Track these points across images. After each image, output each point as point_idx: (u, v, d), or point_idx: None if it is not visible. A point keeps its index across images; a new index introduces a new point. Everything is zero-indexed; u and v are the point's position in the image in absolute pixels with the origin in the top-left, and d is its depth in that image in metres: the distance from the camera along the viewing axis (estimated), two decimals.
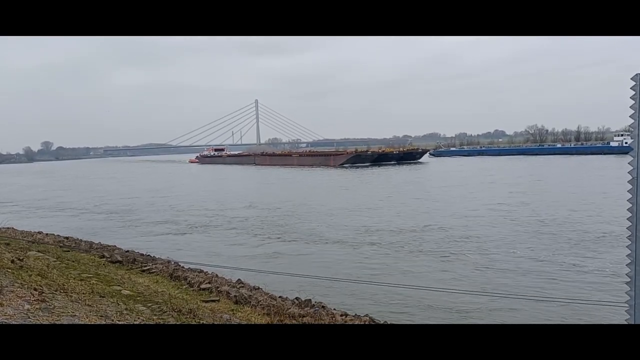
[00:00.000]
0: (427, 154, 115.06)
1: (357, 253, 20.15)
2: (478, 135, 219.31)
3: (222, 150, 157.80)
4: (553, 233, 22.50)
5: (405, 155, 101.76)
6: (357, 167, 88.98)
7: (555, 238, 21.42)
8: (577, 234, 21.96)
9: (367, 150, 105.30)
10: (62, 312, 6.10)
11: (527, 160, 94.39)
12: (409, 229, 24.60)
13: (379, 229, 24.94)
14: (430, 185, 49.80)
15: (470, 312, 12.68)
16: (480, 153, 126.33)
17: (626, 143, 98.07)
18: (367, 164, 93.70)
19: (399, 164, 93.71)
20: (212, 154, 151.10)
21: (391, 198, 38.92)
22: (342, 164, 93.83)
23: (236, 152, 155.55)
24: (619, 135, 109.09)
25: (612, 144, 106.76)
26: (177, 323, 7.38)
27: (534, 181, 49.06)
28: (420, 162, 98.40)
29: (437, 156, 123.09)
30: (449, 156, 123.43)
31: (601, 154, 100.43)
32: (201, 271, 14.93)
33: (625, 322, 3.17)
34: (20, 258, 10.94)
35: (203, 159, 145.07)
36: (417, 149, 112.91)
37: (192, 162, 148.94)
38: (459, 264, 17.79)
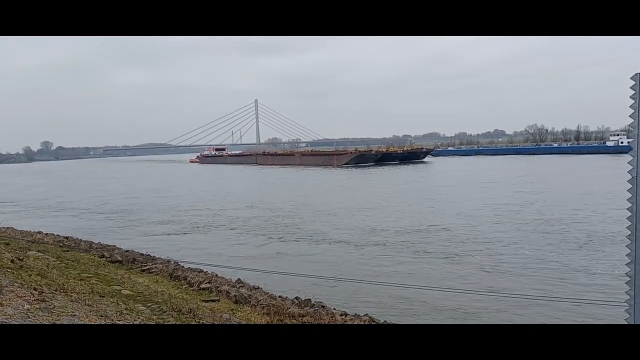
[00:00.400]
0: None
1: (361, 253, 20.01)
2: (478, 135, 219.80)
3: (223, 149, 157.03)
4: (560, 233, 22.35)
5: (409, 154, 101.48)
6: (361, 166, 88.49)
7: (563, 238, 21.24)
8: (585, 234, 21.81)
9: (371, 150, 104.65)
10: (62, 312, 6.11)
11: (525, 159, 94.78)
12: (414, 229, 24.49)
13: (384, 229, 24.83)
14: (435, 184, 49.82)
15: (477, 313, 12.51)
16: (478, 153, 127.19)
17: (622, 143, 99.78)
18: (371, 163, 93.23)
19: (403, 163, 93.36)
20: (213, 153, 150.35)
21: (396, 198, 38.89)
22: (346, 163, 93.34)
23: (237, 152, 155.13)
24: (614, 135, 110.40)
25: (608, 143, 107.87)
26: (177, 323, 7.38)
27: (537, 181, 49.00)
28: (424, 162, 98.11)
29: (435, 156, 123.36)
30: (446, 156, 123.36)
31: (597, 153, 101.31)
32: (201, 271, 14.93)
33: (625, 322, 3.16)
34: (20, 258, 10.94)
35: (204, 159, 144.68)
36: (422, 148, 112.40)
37: (192, 161, 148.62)
38: (465, 264, 17.62)
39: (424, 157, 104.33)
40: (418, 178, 59.69)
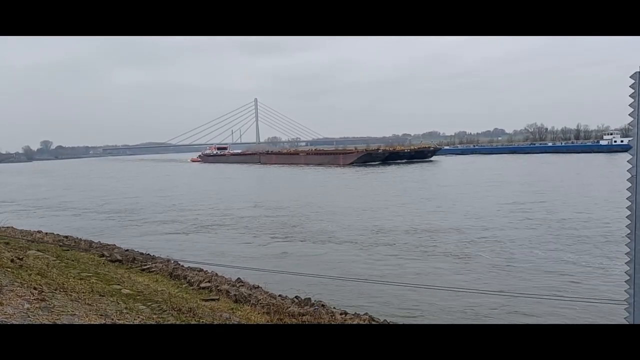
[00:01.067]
0: None
1: (369, 253, 19.85)
2: (478, 133, 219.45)
3: (225, 148, 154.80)
4: (573, 232, 22.18)
5: (416, 153, 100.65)
6: (368, 165, 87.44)
7: (577, 238, 21.03)
8: (597, 233, 21.64)
9: (378, 149, 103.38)
10: (62, 311, 6.10)
11: (521, 158, 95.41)
12: (423, 229, 24.36)
13: (392, 229, 24.70)
14: (443, 183, 49.86)
15: (488, 314, 12.32)
16: (474, 152, 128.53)
17: (615, 142, 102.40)
18: (378, 162, 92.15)
19: (410, 162, 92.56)
20: (214, 152, 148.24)
21: (404, 197, 38.80)
22: (352, 162, 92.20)
23: (239, 151, 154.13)
24: (608, 134, 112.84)
25: (602, 142, 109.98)
26: (177, 322, 7.38)
27: (540, 180, 48.85)
28: (431, 161, 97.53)
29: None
30: (444, 154, 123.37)
31: (591, 152, 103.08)
32: (201, 270, 14.94)
33: (626, 322, 3.16)
34: (20, 257, 10.94)
35: (206, 158, 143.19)
36: (429, 147, 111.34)
37: (194, 161, 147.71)
38: (474, 265, 17.43)
39: (431, 156, 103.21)
40: (427, 177, 59.55)
